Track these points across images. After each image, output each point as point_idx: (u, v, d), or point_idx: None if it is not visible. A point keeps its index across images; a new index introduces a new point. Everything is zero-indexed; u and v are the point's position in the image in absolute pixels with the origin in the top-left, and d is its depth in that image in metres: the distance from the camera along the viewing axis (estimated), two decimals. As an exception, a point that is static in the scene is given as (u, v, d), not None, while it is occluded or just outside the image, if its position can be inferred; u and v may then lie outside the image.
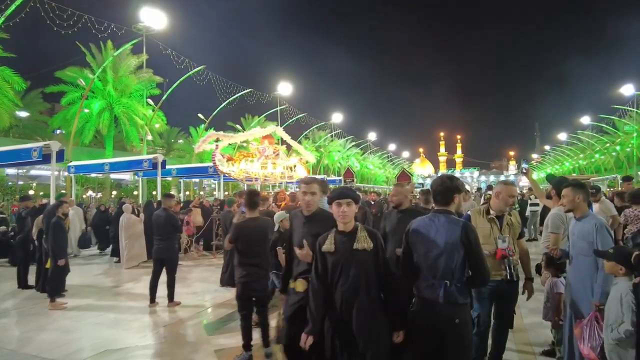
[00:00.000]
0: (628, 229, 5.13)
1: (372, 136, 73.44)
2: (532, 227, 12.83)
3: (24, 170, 23.94)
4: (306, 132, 44.91)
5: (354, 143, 62.43)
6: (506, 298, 3.40)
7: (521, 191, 16.67)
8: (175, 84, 25.28)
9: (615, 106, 41.67)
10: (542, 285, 3.98)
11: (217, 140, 7.23)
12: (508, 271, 3.27)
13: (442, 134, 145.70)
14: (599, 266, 2.97)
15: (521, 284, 3.48)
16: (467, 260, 2.48)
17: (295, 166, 8.81)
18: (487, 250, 3.14)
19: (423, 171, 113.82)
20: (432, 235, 2.54)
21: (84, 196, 26.63)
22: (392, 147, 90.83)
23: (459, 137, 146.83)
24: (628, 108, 39.72)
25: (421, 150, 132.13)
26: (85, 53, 24.30)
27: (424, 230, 2.59)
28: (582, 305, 3.12)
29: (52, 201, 10.74)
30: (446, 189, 2.64)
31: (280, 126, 38.91)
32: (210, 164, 8.88)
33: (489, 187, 17.89)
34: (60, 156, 11.73)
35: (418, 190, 6.56)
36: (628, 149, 45.49)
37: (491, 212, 3.47)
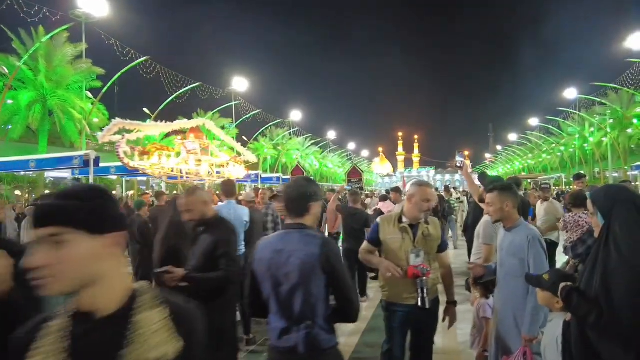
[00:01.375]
0: (567, 237, 4.47)
1: (331, 135, 73.34)
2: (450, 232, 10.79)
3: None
4: (263, 129, 43.73)
5: (313, 141, 61.80)
6: (423, 326, 2.79)
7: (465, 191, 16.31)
8: (117, 75, 23.56)
9: (560, 108, 43.51)
10: (471, 305, 3.41)
11: (127, 131, 6.29)
12: (420, 295, 2.60)
13: (400, 133, 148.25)
14: (530, 291, 2.41)
15: (442, 308, 2.89)
16: (331, 287, 1.93)
17: (227, 164, 7.93)
18: (396, 268, 2.52)
19: (382, 170, 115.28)
20: (283, 260, 1.91)
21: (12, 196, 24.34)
22: (352, 146, 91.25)
23: (416, 137, 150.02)
24: (571, 110, 41.53)
25: (380, 149, 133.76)
26: (12, 39, 22.11)
27: (270, 255, 1.96)
28: (510, 338, 2.55)
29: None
30: (301, 196, 2.04)
31: (235, 122, 37.75)
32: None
33: (446, 188, 17.63)
34: None
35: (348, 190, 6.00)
36: (571, 150, 47.70)
37: (403, 219, 2.83)
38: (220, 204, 4.70)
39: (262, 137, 46.26)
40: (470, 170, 4.06)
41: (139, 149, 6.51)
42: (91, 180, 13.45)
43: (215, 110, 36.32)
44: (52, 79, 23.78)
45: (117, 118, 6.29)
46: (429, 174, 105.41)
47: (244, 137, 42.76)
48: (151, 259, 3.62)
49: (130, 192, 25.15)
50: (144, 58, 23.90)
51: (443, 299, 2.91)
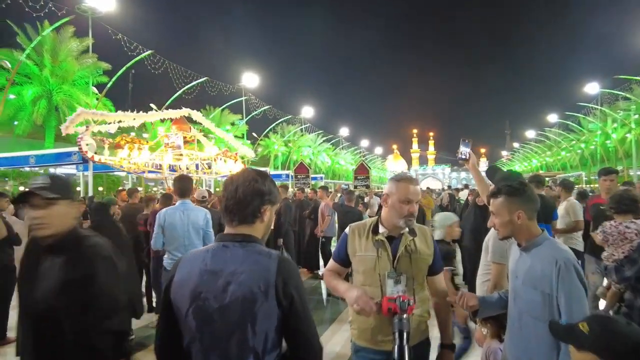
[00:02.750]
0: (608, 254, 3.32)
1: (344, 131, 72.45)
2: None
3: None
4: (273, 126, 43.11)
5: (325, 138, 61.02)
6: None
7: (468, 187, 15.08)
8: (122, 69, 23.21)
9: (581, 104, 41.79)
10: (477, 345, 2.59)
11: (94, 121, 5.65)
12: (398, 342, 1.72)
13: (415, 130, 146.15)
14: (561, 347, 1.63)
15: (434, 354, 2.12)
16: (285, 326, 1.34)
17: (216, 159, 7.20)
18: (367, 302, 1.78)
19: (396, 167, 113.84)
20: (219, 287, 1.31)
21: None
22: (365, 143, 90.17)
23: (431, 133, 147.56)
24: (593, 106, 39.83)
25: (395, 146, 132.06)
26: (17, 33, 21.86)
27: (199, 277, 1.34)
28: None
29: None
30: (251, 195, 1.41)
31: (245, 119, 37.20)
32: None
33: (466, 187, 16.30)
34: None
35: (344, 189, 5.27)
36: (592, 147, 45.88)
37: (380, 229, 2.05)
38: (172, 205, 4.01)
39: (272, 133, 45.66)
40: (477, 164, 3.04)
41: (109, 141, 5.87)
42: (90, 177, 12.96)
43: (224, 106, 35.78)
44: (57, 74, 23.54)
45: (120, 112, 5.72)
46: (444, 172, 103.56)
47: (254, 134, 42.25)
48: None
49: (100, 189, 24.65)
50: (149, 52, 23.52)
51: (435, 334, 2.13)
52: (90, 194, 15.03)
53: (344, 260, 2.10)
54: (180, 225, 3.99)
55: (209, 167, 7.12)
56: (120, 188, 16.95)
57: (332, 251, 2.57)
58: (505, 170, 3.80)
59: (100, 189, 24.37)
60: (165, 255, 4.26)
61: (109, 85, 23.40)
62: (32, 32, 22.63)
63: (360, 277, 2.01)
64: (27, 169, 21.12)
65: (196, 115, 7.23)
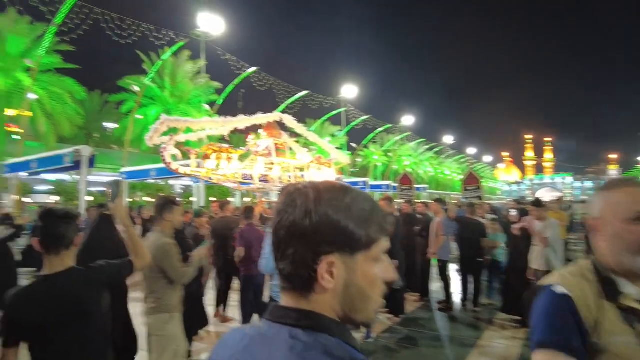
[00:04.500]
0: None
1: (448, 139, 68.63)
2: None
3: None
4: (372, 135, 42.36)
5: (427, 147, 58.42)
6: None
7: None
8: (229, 87, 24.61)
9: None
10: None
11: (175, 130, 5.37)
12: None
13: (529, 136, 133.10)
14: None
15: None
16: None
17: (309, 166, 6.54)
18: None
19: (508, 177, 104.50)
20: None
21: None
22: (471, 150, 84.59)
23: (548, 139, 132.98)
24: None
25: (506, 154, 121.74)
26: (143, 60, 24.51)
27: None
28: None
29: (82, 209, 9.88)
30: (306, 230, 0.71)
31: (342, 130, 37.07)
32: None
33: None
34: (92, 162, 11.05)
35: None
36: None
37: (624, 285, 1.05)
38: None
39: (372, 143, 44.92)
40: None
41: (196, 151, 5.59)
42: (202, 189, 13.43)
43: (324, 118, 36.09)
44: (175, 94, 25.80)
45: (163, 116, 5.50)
46: (564, 181, 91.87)
47: (352, 144, 41.98)
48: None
49: (212, 199, 25.84)
50: (254, 69, 24.57)
51: None
52: (202, 204, 15.80)
53: (579, 352, 1.02)
54: None
55: (303, 177, 6.53)
56: (229, 199, 17.63)
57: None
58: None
59: (213, 199, 26.00)
60: (274, 282, 3.70)
61: (218, 102, 24.96)
62: (155, 57, 25.25)
63: None
64: (151, 181, 23.40)
65: (288, 119, 6.71)
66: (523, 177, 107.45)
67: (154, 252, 3.03)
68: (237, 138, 25.14)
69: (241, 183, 6.41)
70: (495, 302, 6.68)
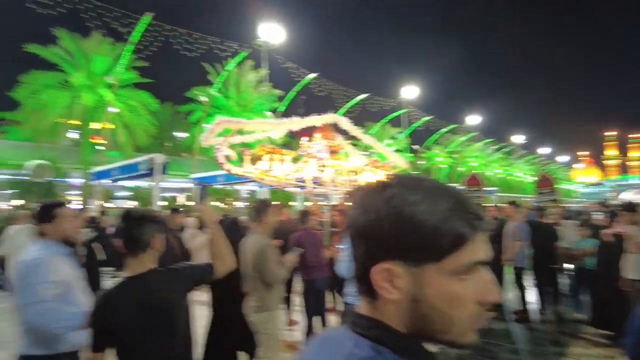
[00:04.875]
0: None
1: (518, 138, 64.78)
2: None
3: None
4: (435, 136, 41.05)
5: (495, 147, 55.51)
6: None
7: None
8: (290, 94, 25.13)
9: None
10: None
11: (229, 131, 5.42)
12: None
13: (611, 133, 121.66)
14: None
15: None
16: None
17: (363, 170, 6.34)
18: None
19: (586, 178, 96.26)
20: None
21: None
22: (544, 150, 79.09)
23: (635, 136, 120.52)
24: None
25: (584, 153, 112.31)
26: (209, 72, 25.78)
27: None
28: None
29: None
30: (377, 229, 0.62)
31: (403, 132, 36.27)
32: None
33: None
34: (165, 169, 11.81)
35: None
36: None
37: None
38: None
39: (435, 145, 43.53)
40: None
41: (249, 152, 5.64)
42: (267, 193, 13.85)
43: (383, 121, 35.60)
44: (240, 103, 26.81)
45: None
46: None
47: (414, 146, 40.99)
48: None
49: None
50: (313, 76, 24.89)
51: None
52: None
53: None
54: None
55: (357, 180, 6.36)
56: (291, 203, 17.92)
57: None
58: None
59: (276, 203, 26.64)
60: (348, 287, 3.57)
61: (279, 109, 25.55)
62: (220, 69, 26.47)
63: None
64: (219, 186, 24.49)
65: (342, 121, 6.58)
66: (603, 178, 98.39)
67: (252, 254, 3.19)
68: (296, 143, 25.60)
69: (294, 186, 6.40)
70: (582, 315, 6.05)
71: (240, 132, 5.86)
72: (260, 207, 3.37)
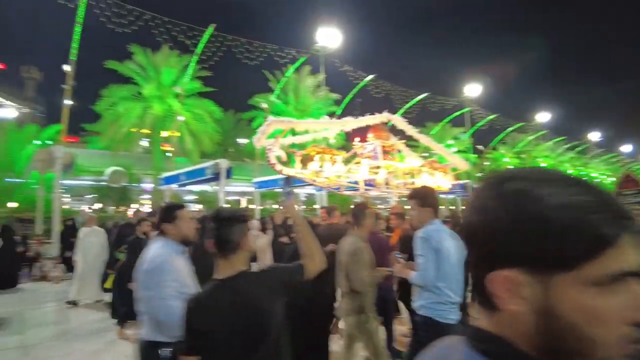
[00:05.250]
0: None
1: (594, 136, 59.74)
2: None
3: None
4: (501, 136, 38.96)
5: (567, 146, 51.60)
6: None
7: None
8: (347, 97, 25.09)
9: None
10: None
11: (280, 132, 5.39)
12: None
13: None
14: None
15: None
16: None
17: (419, 171, 6.01)
18: None
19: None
20: None
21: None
22: (626, 148, 72.18)
23: None
24: None
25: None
26: (269, 79, 26.47)
27: None
28: None
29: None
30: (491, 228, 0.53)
31: (467, 132, 34.77)
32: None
33: None
34: (229, 174, 12.30)
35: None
36: None
37: None
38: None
39: (501, 144, 41.32)
40: None
41: (300, 153, 5.59)
42: (325, 197, 13.86)
43: (445, 121, 34.42)
44: (299, 108, 27.26)
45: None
46: None
47: (479, 147, 39.19)
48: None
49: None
50: (371, 77, 24.67)
51: None
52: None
53: None
54: (454, 251, 2.75)
55: (413, 183, 6.07)
56: (352, 206, 17.76)
57: None
58: None
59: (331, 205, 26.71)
60: (435, 300, 2.72)
61: (337, 112, 25.57)
62: (279, 76, 27.10)
63: None
64: (280, 189, 25.06)
65: (397, 120, 6.34)
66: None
67: (345, 255, 3.23)
68: (351, 146, 25.52)
69: (346, 188, 6.29)
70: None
71: (293, 132, 5.88)
72: (359, 210, 3.43)
